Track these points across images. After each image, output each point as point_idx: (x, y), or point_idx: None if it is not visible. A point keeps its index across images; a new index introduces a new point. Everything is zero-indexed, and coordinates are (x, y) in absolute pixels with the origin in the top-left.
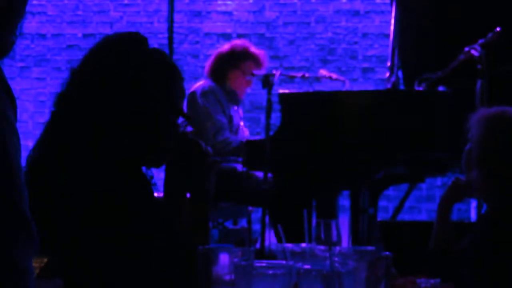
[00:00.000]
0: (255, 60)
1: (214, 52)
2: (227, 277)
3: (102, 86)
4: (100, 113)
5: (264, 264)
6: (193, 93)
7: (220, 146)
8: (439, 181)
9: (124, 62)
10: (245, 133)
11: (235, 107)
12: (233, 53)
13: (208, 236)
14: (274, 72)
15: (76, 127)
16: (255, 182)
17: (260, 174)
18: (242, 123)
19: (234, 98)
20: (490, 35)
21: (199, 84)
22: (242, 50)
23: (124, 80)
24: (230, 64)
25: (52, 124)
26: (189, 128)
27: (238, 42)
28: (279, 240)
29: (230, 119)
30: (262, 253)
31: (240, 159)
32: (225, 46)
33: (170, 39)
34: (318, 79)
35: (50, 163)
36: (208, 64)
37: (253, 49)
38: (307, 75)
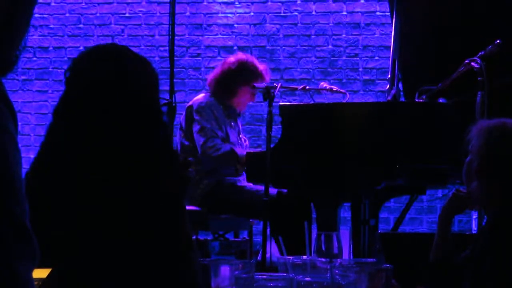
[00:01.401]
0: (262, 78)
1: (218, 65)
2: None
3: (96, 95)
4: (96, 120)
5: (265, 277)
6: (190, 107)
7: (209, 151)
8: (440, 192)
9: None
10: (245, 143)
11: (233, 123)
12: (242, 70)
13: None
14: (275, 84)
15: (72, 135)
16: (256, 194)
17: (261, 186)
18: (241, 136)
19: (232, 113)
20: (490, 47)
21: (197, 98)
22: (251, 66)
23: (118, 86)
24: (239, 80)
25: (49, 136)
26: (186, 142)
27: (243, 57)
28: (280, 252)
29: (227, 136)
30: (263, 265)
31: (231, 169)
32: (231, 60)
33: (171, 52)
34: (319, 91)
35: (49, 172)
36: (210, 77)
37: (258, 64)
38: (308, 87)
